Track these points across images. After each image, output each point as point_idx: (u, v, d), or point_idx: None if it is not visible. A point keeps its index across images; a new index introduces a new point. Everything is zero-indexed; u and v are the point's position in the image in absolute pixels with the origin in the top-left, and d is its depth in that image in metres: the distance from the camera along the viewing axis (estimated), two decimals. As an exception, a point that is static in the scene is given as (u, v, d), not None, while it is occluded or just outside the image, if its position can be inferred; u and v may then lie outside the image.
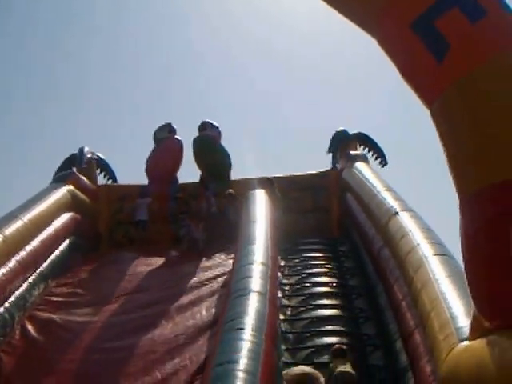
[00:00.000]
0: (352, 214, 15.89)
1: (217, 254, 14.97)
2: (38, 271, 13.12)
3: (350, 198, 16.37)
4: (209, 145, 18.80)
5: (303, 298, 12.52)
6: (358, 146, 18.95)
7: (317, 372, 8.39)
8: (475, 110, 5.53)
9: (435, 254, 9.30)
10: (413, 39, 5.80)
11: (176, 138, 19.19)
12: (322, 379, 8.12)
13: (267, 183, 17.19)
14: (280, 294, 12.21)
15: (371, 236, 13.14)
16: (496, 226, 5.28)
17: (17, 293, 11.85)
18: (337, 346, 9.76)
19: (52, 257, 14.13)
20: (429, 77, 5.82)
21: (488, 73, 5.48)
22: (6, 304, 11.30)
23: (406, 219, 11.41)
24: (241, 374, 7.15)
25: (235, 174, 19.16)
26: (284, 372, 3.82)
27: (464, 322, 6.74)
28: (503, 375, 4.82)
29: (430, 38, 5.66)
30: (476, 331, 5.88)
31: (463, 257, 5.81)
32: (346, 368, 8.94)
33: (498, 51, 5.51)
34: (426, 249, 9.62)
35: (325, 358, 9.86)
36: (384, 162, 18.62)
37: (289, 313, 12.05)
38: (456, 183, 5.76)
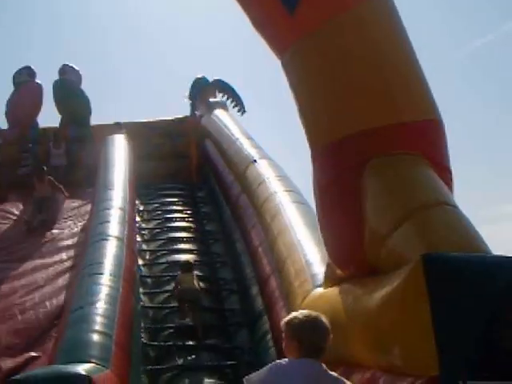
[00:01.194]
0: (211, 160, 16.05)
1: (74, 200, 14.76)
2: None
3: (209, 144, 16.48)
4: (69, 89, 18.46)
5: (162, 242, 12.60)
6: (217, 93, 19.01)
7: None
8: (325, 63, 5.62)
9: (292, 202, 9.53)
10: None
11: (36, 82, 18.66)
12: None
13: (116, 128, 17.15)
14: (139, 239, 12.30)
15: (229, 183, 13.32)
16: (346, 177, 5.44)
17: None
18: (184, 260, 10.55)
19: None
20: (281, 28, 5.86)
21: (340, 25, 5.55)
22: None
23: (263, 167, 11.63)
24: (98, 319, 7.18)
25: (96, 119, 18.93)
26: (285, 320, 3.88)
27: (319, 268, 6.96)
28: (354, 322, 5.04)
29: None
30: (330, 279, 6.09)
31: (316, 207, 5.99)
32: (191, 284, 9.68)
33: (352, 2, 5.58)
34: (282, 196, 9.84)
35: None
36: (242, 110, 18.75)
37: (147, 257, 12.11)
38: (308, 135, 5.87)
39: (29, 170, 16.54)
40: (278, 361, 4.07)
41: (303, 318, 4.08)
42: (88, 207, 13.53)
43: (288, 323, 4.12)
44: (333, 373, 4.10)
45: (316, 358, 4.01)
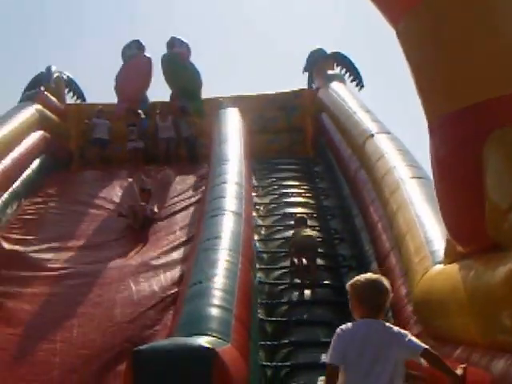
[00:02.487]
0: (327, 134, 15.78)
1: (185, 175, 14.92)
2: (10, 190, 13.08)
3: (326, 118, 16.21)
4: (178, 62, 18.23)
5: (277, 218, 12.55)
6: (334, 65, 18.67)
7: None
8: (442, 30, 5.32)
9: (412, 177, 9.26)
10: None
11: (145, 56, 18.58)
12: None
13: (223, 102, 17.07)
14: (254, 214, 12.23)
15: (347, 157, 13.09)
16: (466, 149, 5.20)
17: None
18: (298, 215, 11.07)
19: (24, 176, 14.06)
20: None
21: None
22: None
23: (382, 141, 11.34)
24: (218, 293, 7.15)
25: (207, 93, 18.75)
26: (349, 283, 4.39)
27: (439, 245, 6.73)
28: (476, 299, 4.87)
29: None
30: (450, 255, 5.89)
31: (434, 181, 5.79)
32: (308, 232, 10.19)
33: None
34: (402, 171, 9.58)
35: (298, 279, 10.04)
36: (361, 84, 18.34)
37: (263, 233, 12.11)
38: (424, 106, 5.64)
39: (137, 144, 16.77)
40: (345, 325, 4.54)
41: (364, 280, 4.62)
42: (199, 182, 13.78)
43: (351, 285, 4.65)
44: (395, 327, 4.49)
45: (375, 317, 4.47)
